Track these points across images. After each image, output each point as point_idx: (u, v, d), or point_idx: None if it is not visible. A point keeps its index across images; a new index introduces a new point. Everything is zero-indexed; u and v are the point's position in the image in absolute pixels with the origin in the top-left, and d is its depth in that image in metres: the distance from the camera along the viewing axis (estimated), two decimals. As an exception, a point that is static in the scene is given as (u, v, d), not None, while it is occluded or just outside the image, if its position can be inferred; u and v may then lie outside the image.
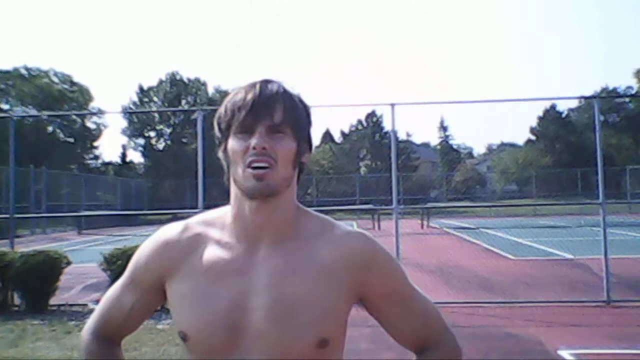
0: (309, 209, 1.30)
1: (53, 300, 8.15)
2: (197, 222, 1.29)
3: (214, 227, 1.25)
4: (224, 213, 1.27)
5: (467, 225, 23.10)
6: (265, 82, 1.21)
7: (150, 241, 1.31)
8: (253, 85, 1.20)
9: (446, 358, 1.32)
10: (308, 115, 1.26)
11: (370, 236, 1.28)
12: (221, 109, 1.22)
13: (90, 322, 1.39)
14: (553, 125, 54.06)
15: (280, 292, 1.16)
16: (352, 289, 1.21)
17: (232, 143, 1.18)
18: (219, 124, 1.22)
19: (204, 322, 1.17)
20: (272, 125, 1.16)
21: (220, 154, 1.24)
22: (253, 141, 1.15)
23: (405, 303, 1.28)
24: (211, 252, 1.22)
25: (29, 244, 12.72)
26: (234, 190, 1.22)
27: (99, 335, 1.36)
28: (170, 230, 1.30)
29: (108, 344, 1.37)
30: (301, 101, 1.24)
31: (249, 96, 1.17)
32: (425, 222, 23.56)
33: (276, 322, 1.15)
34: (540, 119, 55.88)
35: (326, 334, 1.17)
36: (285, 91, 1.21)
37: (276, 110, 1.17)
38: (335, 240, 1.23)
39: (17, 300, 8.19)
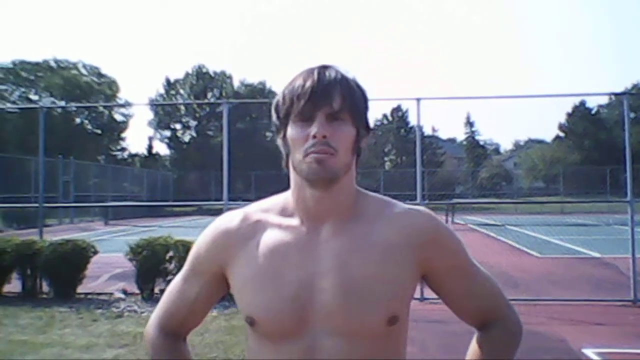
0: (366, 191, 1.30)
1: (80, 289, 8.30)
2: (255, 209, 1.30)
3: (273, 213, 1.27)
4: (282, 199, 1.28)
5: (492, 222, 22.90)
6: (323, 68, 1.20)
7: (209, 231, 1.32)
8: (311, 71, 1.19)
9: (508, 334, 1.33)
10: (365, 99, 1.25)
11: (431, 213, 1.28)
12: (279, 97, 1.22)
13: (154, 317, 1.39)
14: (582, 122, 53.22)
15: (347, 272, 1.17)
16: (417, 265, 1.23)
17: (292, 131, 1.19)
18: (277, 112, 1.22)
19: (272, 304, 1.18)
20: (331, 112, 1.16)
21: (279, 142, 1.24)
22: (313, 129, 1.15)
23: (468, 279, 1.29)
24: (273, 237, 1.23)
25: (57, 233, 12.94)
26: (294, 177, 1.23)
27: (164, 329, 1.36)
28: (229, 219, 1.30)
29: (173, 338, 1.36)
30: (358, 86, 1.23)
31: (308, 83, 1.17)
32: (450, 218, 23.38)
33: (346, 301, 1.16)
34: (569, 115, 55.01)
35: (395, 311, 1.19)
36: (343, 77, 1.20)
37: (335, 97, 1.16)
38: (398, 218, 1.24)
39: (45, 287, 8.35)
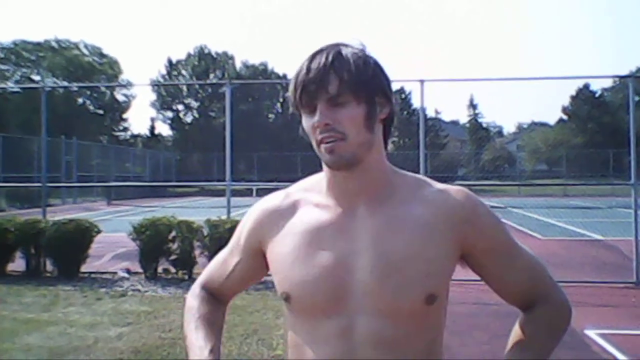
0: (402, 170, 1.29)
1: (84, 268, 8.34)
2: (297, 189, 1.32)
3: (313, 192, 1.27)
4: (321, 178, 1.28)
5: (495, 205, 22.87)
6: (317, 54, 1.17)
7: (253, 209, 1.36)
8: (308, 58, 1.18)
9: (554, 314, 1.29)
10: (375, 70, 1.20)
11: (469, 191, 1.26)
12: (290, 87, 1.21)
13: (199, 277, 1.49)
14: (586, 105, 52.96)
15: (384, 250, 1.16)
16: (455, 244, 1.21)
17: (303, 122, 1.20)
18: (291, 103, 1.23)
19: (307, 281, 1.18)
20: (330, 98, 1.14)
21: (300, 131, 1.24)
22: (315, 119, 1.15)
23: (509, 258, 1.26)
24: (311, 215, 1.24)
25: (60, 213, 12.98)
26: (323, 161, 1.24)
27: (204, 287, 1.45)
28: (272, 198, 1.33)
29: (209, 296, 1.43)
30: (363, 59, 1.18)
31: (302, 74, 1.16)
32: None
33: (383, 280, 1.15)
34: (573, 98, 54.75)
35: (433, 290, 1.16)
36: (337, 58, 1.16)
37: (330, 83, 1.14)
38: (435, 196, 1.23)
39: (49, 266, 8.40)
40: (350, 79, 1.14)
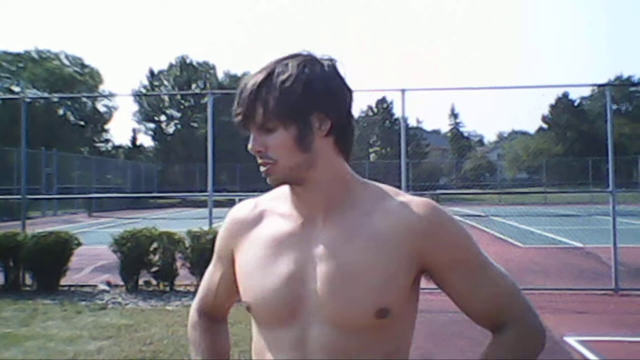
0: (369, 181, 1.28)
1: (64, 281, 8.25)
2: (266, 198, 1.33)
3: (279, 201, 1.28)
4: (288, 188, 1.27)
5: (476, 213, 23.02)
6: (250, 78, 1.18)
7: (225, 220, 1.37)
8: (243, 81, 1.20)
9: (523, 338, 1.22)
10: (306, 88, 1.14)
11: (436, 204, 1.21)
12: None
13: (194, 300, 1.49)
14: (565, 113, 53.55)
15: (337, 261, 1.16)
16: (412, 258, 1.17)
17: None
18: None
19: (264, 291, 1.20)
20: (259, 125, 1.16)
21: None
22: (249, 145, 1.19)
23: (473, 275, 1.21)
24: (274, 224, 1.25)
25: (40, 226, 12.82)
26: None
27: (200, 311, 1.46)
28: (242, 207, 1.35)
29: (207, 318, 1.44)
30: (293, 79, 1.14)
31: (235, 102, 1.19)
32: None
33: (333, 291, 1.15)
34: (553, 107, 55.31)
35: (385, 304, 1.14)
36: (264, 84, 1.15)
37: (257, 110, 1.15)
38: (395, 208, 1.19)
39: (28, 280, 8.29)
40: (275, 105, 1.13)
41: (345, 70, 1.22)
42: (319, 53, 1.22)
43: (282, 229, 1.23)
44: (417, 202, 1.20)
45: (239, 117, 1.18)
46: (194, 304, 1.48)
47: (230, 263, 1.34)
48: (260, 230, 1.26)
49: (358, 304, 1.14)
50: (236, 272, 1.30)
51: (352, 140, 1.24)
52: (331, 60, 1.21)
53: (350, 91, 1.22)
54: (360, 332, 1.15)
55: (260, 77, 1.16)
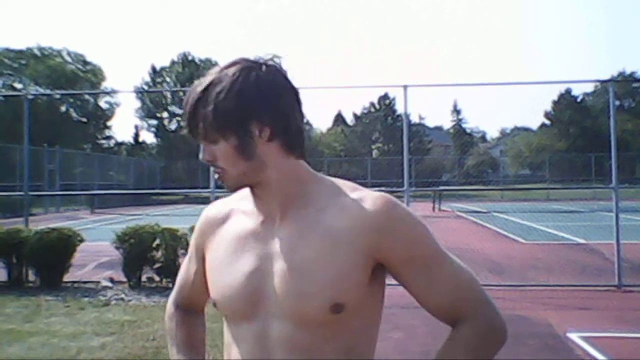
0: (326, 177, 1.28)
1: (67, 277, 8.26)
2: (235, 197, 1.35)
3: (246, 200, 1.30)
4: (249, 189, 1.30)
5: (479, 209, 23.03)
6: (189, 93, 1.21)
7: (199, 218, 1.41)
8: (187, 93, 1.23)
9: (480, 334, 1.21)
10: (240, 99, 1.16)
11: (391, 199, 1.21)
12: None
13: (172, 293, 1.54)
14: (568, 109, 53.51)
15: (291, 258, 1.18)
16: (367, 253, 1.17)
17: None
18: None
19: (228, 288, 1.23)
20: (203, 137, 1.20)
21: None
22: (200, 156, 1.24)
23: (429, 269, 1.20)
24: (239, 223, 1.28)
25: (43, 222, 12.86)
26: None
27: (176, 303, 1.50)
28: (213, 206, 1.39)
29: (183, 314, 1.48)
30: (227, 91, 1.16)
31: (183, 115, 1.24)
32: (436, 206, 23.54)
33: (289, 287, 1.17)
34: (555, 103, 55.31)
35: (340, 299, 1.15)
36: (200, 98, 1.17)
37: (197, 126, 1.19)
38: (349, 204, 1.20)
39: (31, 276, 8.30)
40: (212, 119, 1.16)
41: (287, 68, 1.23)
42: (264, 53, 1.23)
43: (245, 227, 1.26)
44: (372, 197, 1.20)
45: (186, 130, 1.22)
46: (171, 296, 1.52)
47: (201, 260, 1.37)
48: (227, 228, 1.30)
49: (313, 300, 1.15)
50: (206, 269, 1.34)
51: (301, 138, 1.24)
52: (272, 60, 1.21)
53: (293, 90, 1.22)
54: (318, 327, 1.16)
55: (199, 89, 1.18)
